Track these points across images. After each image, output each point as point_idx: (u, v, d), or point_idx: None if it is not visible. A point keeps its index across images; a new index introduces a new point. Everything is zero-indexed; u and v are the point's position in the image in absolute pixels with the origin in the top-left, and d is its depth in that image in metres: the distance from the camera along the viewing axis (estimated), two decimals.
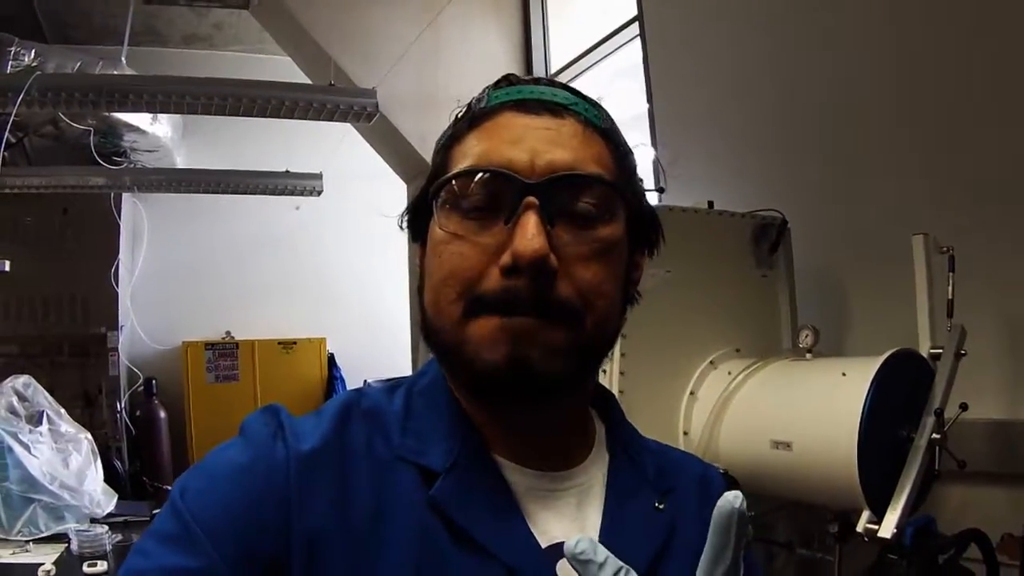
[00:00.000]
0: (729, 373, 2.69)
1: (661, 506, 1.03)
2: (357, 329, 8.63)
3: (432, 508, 0.90)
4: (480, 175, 0.91)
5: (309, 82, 6.18)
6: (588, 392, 1.06)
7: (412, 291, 4.56)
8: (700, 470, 1.16)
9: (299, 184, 7.26)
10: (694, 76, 4.13)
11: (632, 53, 5.04)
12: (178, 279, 8.22)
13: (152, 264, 8.17)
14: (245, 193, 7.31)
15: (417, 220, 1.02)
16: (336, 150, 7.55)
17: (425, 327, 0.97)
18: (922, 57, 2.96)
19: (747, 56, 3.79)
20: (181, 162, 7.87)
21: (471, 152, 0.94)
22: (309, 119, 5.42)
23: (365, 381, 6.94)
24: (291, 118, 5.41)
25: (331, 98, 5.27)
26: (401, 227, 1.06)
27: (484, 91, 1.01)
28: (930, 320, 2.44)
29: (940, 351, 2.34)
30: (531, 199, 0.88)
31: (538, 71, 6.23)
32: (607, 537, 0.95)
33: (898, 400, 2.22)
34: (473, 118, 0.98)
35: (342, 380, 8.62)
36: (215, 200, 7.59)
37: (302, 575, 0.85)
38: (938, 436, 2.14)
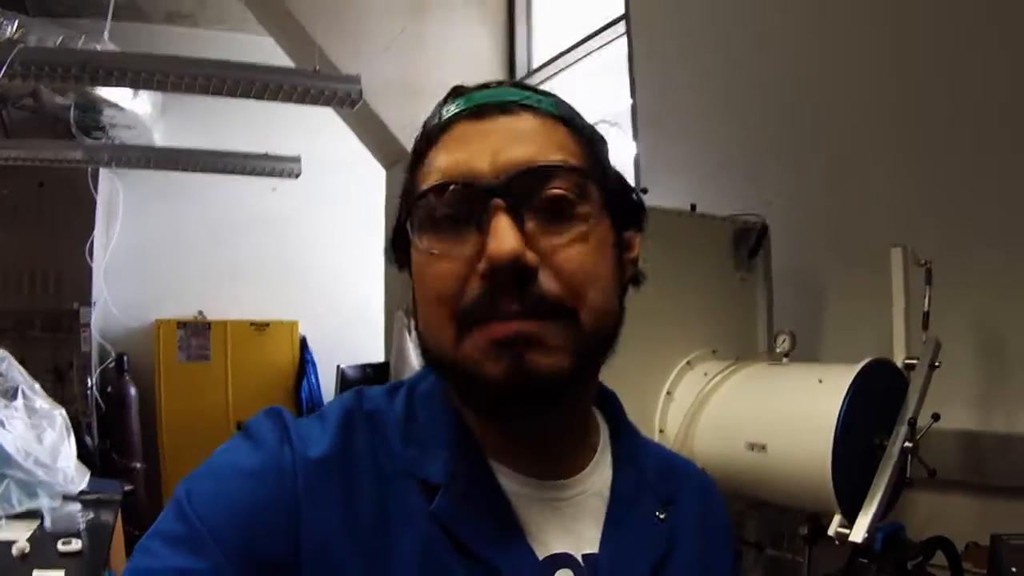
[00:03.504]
0: (706, 374, 2.72)
1: (662, 516, 1.03)
2: (330, 313, 8.62)
3: (434, 520, 0.90)
4: (444, 188, 0.90)
5: (292, 65, 6.17)
6: (591, 391, 1.05)
7: (386, 277, 4.59)
8: (700, 480, 1.17)
9: (277, 166, 7.22)
10: (679, 76, 4.15)
11: (617, 50, 5.04)
12: (152, 256, 8.18)
13: (127, 241, 8.12)
14: (223, 173, 7.26)
15: (400, 247, 1.00)
16: (315, 134, 7.54)
17: (424, 351, 0.96)
18: (910, 66, 3.00)
19: (733, 58, 3.80)
20: (158, 139, 7.81)
21: (434, 169, 0.93)
22: (292, 103, 5.39)
23: (338, 366, 6.96)
24: (274, 101, 5.37)
25: (315, 83, 5.24)
26: (389, 261, 1.04)
27: (436, 108, 1.00)
28: (905, 331, 2.48)
29: (915, 362, 2.38)
30: (497, 201, 0.87)
31: (521, 64, 6.27)
32: (607, 548, 0.97)
33: (872, 408, 2.26)
34: (430, 135, 0.97)
35: (313, 364, 8.62)
36: (192, 179, 7.55)
37: None
38: (910, 444, 2.18)
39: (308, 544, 0.86)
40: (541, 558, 0.93)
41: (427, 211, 0.91)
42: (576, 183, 0.91)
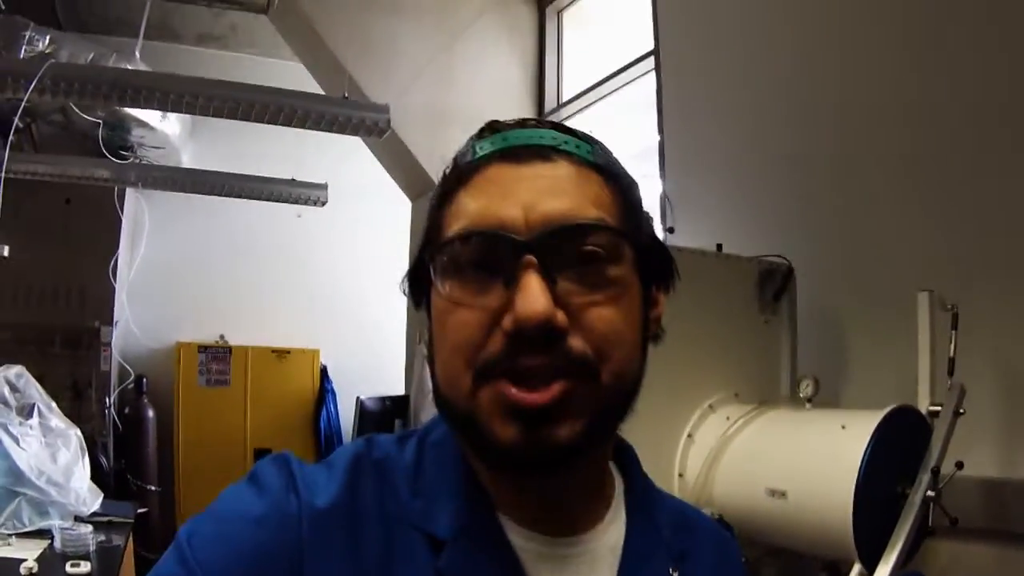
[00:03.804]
0: (727, 418, 2.69)
1: (675, 573, 1.00)
2: (352, 343, 8.60)
3: None
4: (473, 237, 0.87)
5: (320, 91, 6.20)
6: (608, 450, 1.02)
7: (409, 310, 4.55)
8: (716, 534, 1.15)
9: (304, 193, 7.24)
10: (707, 115, 4.15)
11: (646, 86, 5.05)
12: (176, 278, 8.20)
13: (151, 261, 8.14)
14: (249, 198, 7.29)
15: (418, 285, 0.97)
16: (342, 162, 7.57)
17: (438, 398, 0.93)
18: (938, 111, 2.98)
19: (761, 99, 3.81)
20: (186, 161, 7.85)
21: (463, 213, 0.90)
22: (321, 130, 5.41)
23: (357, 398, 6.94)
24: (303, 128, 5.40)
25: (344, 111, 5.25)
26: (404, 293, 1.00)
27: (468, 143, 0.96)
28: (930, 377, 2.45)
29: (939, 408, 2.35)
30: (529, 257, 0.84)
31: (550, 97, 6.28)
32: None
33: (895, 455, 2.23)
34: (461, 174, 0.93)
35: (333, 393, 8.58)
36: (218, 202, 7.56)
37: None
38: (933, 493, 2.16)
39: None
40: None
41: (452, 257, 0.88)
42: (611, 243, 0.88)
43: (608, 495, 1.02)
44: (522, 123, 0.95)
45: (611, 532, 0.99)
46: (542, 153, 0.90)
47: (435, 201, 0.96)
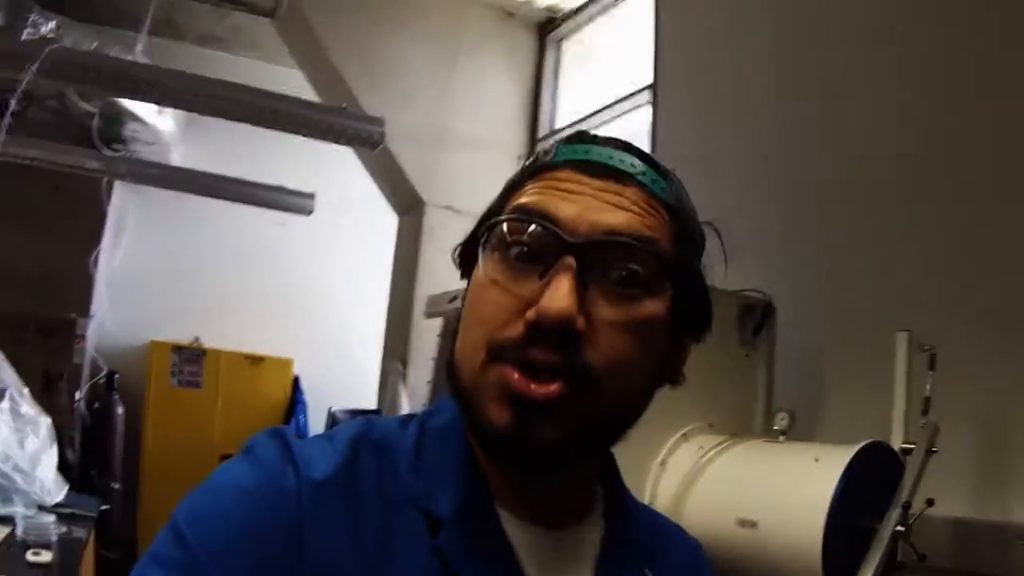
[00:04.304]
0: (700, 447, 2.71)
1: (649, 573, 1.03)
2: (326, 355, 8.54)
3: (437, 556, 0.89)
4: (524, 224, 0.90)
5: (318, 100, 6.21)
6: (599, 463, 1.06)
7: (387, 325, 4.56)
8: (690, 547, 1.18)
9: (291, 201, 7.24)
10: (698, 151, 4.19)
11: (640, 119, 5.12)
12: (156, 276, 8.12)
13: (133, 257, 8.05)
14: (237, 201, 7.28)
15: (467, 258, 0.99)
16: (330, 174, 7.54)
17: (449, 369, 0.95)
18: (923, 153, 3.04)
19: (749, 138, 3.88)
20: (177, 159, 7.77)
21: (524, 200, 0.93)
22: (316, 138, 5.42)
23: (329, 409, 6.91)
24: (298, 134, 5.41)
25: (340, 120, 5.27)
26: (454, 261, 1.03)
27: (553, 144, 0.99)
28: (905, 415, 2.48)
29: (912, 446, 2.36)
30: (568, 259, 0.86)
31: (544, 123, 6.32)
32: None
33: (867, 490, 2.24)
34: (536, 169, 0.96)
35: (304, 404, 8.54)
36: (205, 203, 7.51)
37: None
38: (902, 528, 2.18)
39: (310, 567, 0.84)
40: None
41: (500, 237, 0.91)
42: (653, 271, 0.90)
43: (591, 496, 1.05)
44: (610, 141, 0.98)
45: (594, 531, 1.03)
46: (616, 175, 0.93)
47: (505, 187, 1.00)
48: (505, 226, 0.91)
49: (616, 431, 0.96)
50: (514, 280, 0.89)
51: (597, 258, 0.87)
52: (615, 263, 0.88)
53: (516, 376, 0.85)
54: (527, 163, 1.00)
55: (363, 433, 0.97)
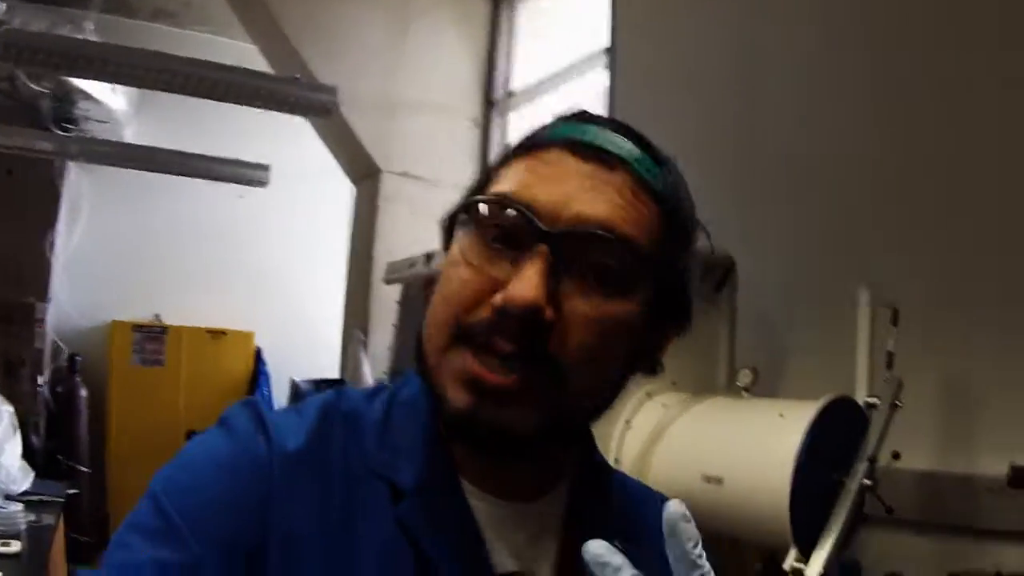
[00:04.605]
0: (664, 405, 2.71)
1: (621, 545, 0.99)
2: (287, 326, 8.50)
3: (399, 525, 0.89)
4: (503, 207, 0.88)
5: (272, 72, 6.16)
6: (560, 444, 1.02)
7: (347, 294, 4.54)
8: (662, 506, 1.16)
9: (245, 173, 7.20)
10: (656, 112, 4.16)
11: (597, 83, 5.09)
12: (113, 256, 8.03)
13: (89, 238, 7.96)
14: (191, 176, 7.22)
15: (451, 229, 0.96)
16: (285, 145, 7.48)
17: (417, 344, 0.94)
18: (881, 112, 3.05)
19: (710, 99, 3.87)
20: (130, 137, 7.72)
21: (509, 180, 0.90)
22: (270, 109, 5.40)
23: (292, 380, 6.90)
24: (251, 105, 5.38)
25: (293, 90, 5.25)
26: (441, 228, 0.99)
27: (554, 118, 0.97)
28: (869, 370, 2.49)
29: (876, 401, 2.37)
30: (542, 247, 0.84)
31: (498, 87, 6.29)
32: (563, 570, 0.97)
33: (832, 445, 2.25)
34: (530, 145, 0.94)
35: (267, 376, 8.49)
36: (160, 180, 7.46)
37: (277, 574, 0.85)
38: (869, 482, 2.19)
39: (277, 535, 0.85)
40: (498, 574, 0.93)
41: (478, 218, 0.90)
42: (631, 269, 0.87)
43: (560, 467, 1.03)
44: (609, 122, 0.96)
45: (562, 501, 1.01)
46: (606, 159, 0.90)
47: (498, 158, 0.97)
48: (483, 207, 0.89)
49: (584, 420, 0.97)
50: (487, 261, 0.87)
51: (573, 250, 0.85)
52: (591, 257, 0.86)
53: (475, 363, 0.85)
54: (525, 137, 0.97)
55: (332, 405, 0.97)
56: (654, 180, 0.92)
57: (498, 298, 0.83)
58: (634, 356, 0.95)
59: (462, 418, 0.86)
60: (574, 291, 0.85)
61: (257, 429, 0.90)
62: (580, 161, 0.89)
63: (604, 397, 0.95)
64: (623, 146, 0.92)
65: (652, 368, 1.00)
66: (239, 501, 0.85)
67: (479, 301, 0.86)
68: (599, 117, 0.97)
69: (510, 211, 0.87)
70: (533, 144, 0.94)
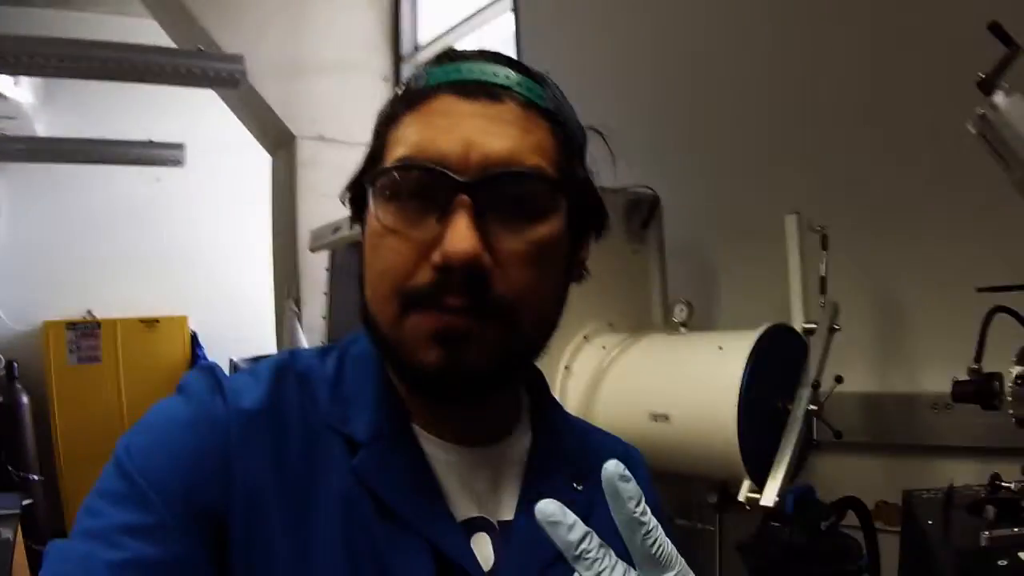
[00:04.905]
0: (603, 347, 2.70)
1: (579, 487, 1.04)
2: (220, 306, 8.42)
3: (356, 476, 0.91)
4: (411, 169, 0.89)
5: (175, 46, 6.02)
6: (519, 381, 1.08)
7: (274, 266, 4.47)
8: (621, 451, 1.17)
9: (160, 154, 7.10)
10: (566, 53, 4.13)
11: (503, 29, 5.01)
12: (37, 255, 7.89)
13: (11, 238, 7.84)
14: (104, 163, 7.11)
15: (356, 202, 0.99)
16: (200, 120, 7.38)
17: (365, 316, 0.96)
18: (799, 39, 3.02)
19: (621, 35, 3.82)
20: (42, 131, 7.55)
21: (406, 140, 0.91)
22: (175, 84, 5.29)
23: (230, 360, 6.83)
24: (156, 83, 5.28)
25: (197, 63, 5.15)
26: (344, 203, 1.02)
27: (422, 68, 0.98)
28: (803, 297, 2.50)
29: (814, 326, 2.39)
30: (463, 197, 0.86)
31: (406, 41, 6.21)
32: (522, 515, 0.98)
33: (774, 373, 2.27)
34: (411, 99, 0.94)
35: (205, 359, 8.35)
36: (75, 171, 7.34)
37: (241, 532, 0.86)
38: (814, 407, 2.21)
39: (238, 492, 0.87)
40: (459, 520, 0.95)
41: (389, 185, 0.91)
42: (546, 193, 0.91)
43: (516, 413, 1.08)
44: (480, 55, 0.97)
45: (518, 445, 1.05)
46: (492, 92, 0.92)
47: (381, 120, 0.98)
48: (391, 174, 0.90)
49: (537, 349, 0.99)
50: (411, 225, 0.89)
51: (491, 193, 0.88)
52: (508, 194, 0.89)
53: (437, 318, 0.87)
54: (399, 92, 0.98)
55: (286, 364, 1.00)
56: (540, 100, 0.94)
57: (436, 256, 0.86)
58: (567, 270, 1.00)
59: (436, 373, 0.88)
60: (501, 230, 0.88)
61: (214, 391, 0.93)
62: (468, 102, 0.91)
63: (551, 321, 0.99)
64: (503, 74, 0.94)
65: (580, 275, 1.05)
66: (200, 460, 0.87)
67: (416, 265, 0.88)
68: (468, 52, 0.99)
69: (421, 172, 0.88)
70: (417, 96, 0.94)
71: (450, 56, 0.98)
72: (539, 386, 1.12)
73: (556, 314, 0.99)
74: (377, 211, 0.91)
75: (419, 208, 0.89)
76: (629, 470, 1.12)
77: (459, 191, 0.86)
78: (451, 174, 0.87)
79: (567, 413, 1.17)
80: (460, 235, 0.84)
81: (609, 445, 1.19)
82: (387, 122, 0.97)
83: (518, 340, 0.91)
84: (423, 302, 0.87)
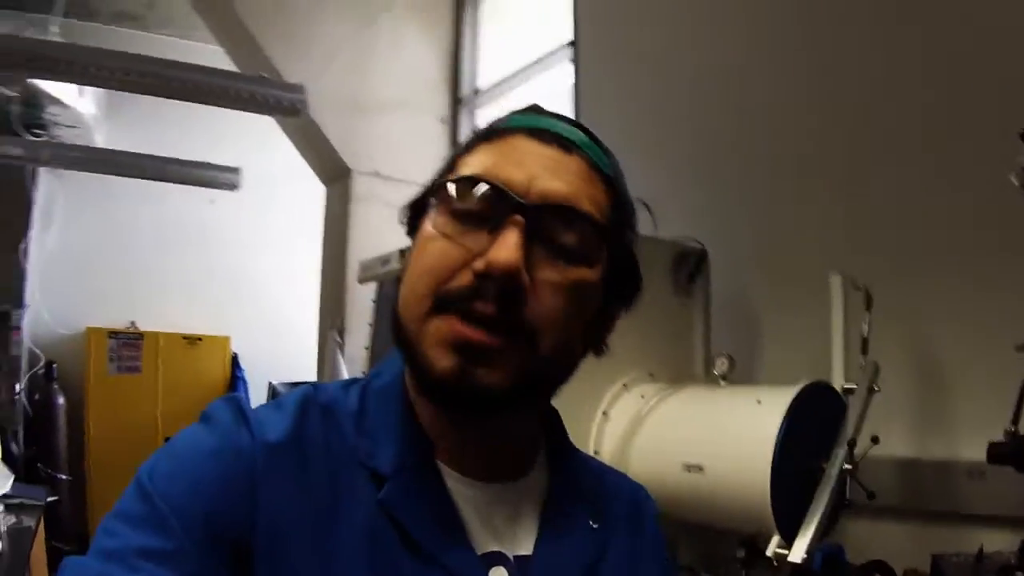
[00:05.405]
0: (642, 396, 2.71)
1: (595, 525, 1.06)
2: (263, 330, 8.50)
3: (381, 509, 0.92)
4: (476, 183, 0.93)
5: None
6: (536, 414, 1.09)
7: (322, 296, 4.51)
8: (632, 491, 1.21)
9: (216, 177, 7.18)
10: (622, 104, 4.19)
11: (563, 76, 5.07)
12: (88, 262, 8.00)
13: (63, 244, 7.93)
14: (160, 180, 7.18)
15: (414, 216, 1.02)
16: (257, 147, 7.47)
17: (394, 318, 0.98)
18: (849, 95, 3.05)
19: (675, 90, 3.88)
20: (101, 142, 7.65)
21: (475, 163, 0.96)
22: (236, 108, 5.35)
23: (270, 383, 6.86)
24: (217, 105, 5.34)
25: (260, 89, 5.21)
26: (401, 222, 1.05)
27: (508, 113, 1.04)
28: (844, 356, 2.50)
29: (853, 386, 2.39)
30: (518, 217, 0.89)
31: (465, 84, 6.26)
32: (540, 551, 1.01)
33: (811, 430, 2.26)
34: (489, 133, 1.00)
35: (244, 381, 8.49)
36: (132, 185, 7.43)
37: (265, 560, 0.86)
38: (849, 467, 2.19)
39: (263, 524, 0.87)
40: (478, 554, 0.96)
41: (453, 196, 0.94)
42: (593, 240, 0.95)
43: (535, 451, 1.09)
44: (558, 116, 1.03)
45: (536, 483, 1.07)
46: (564, 143, 0.98)
47: (456, 149, 1.03)
48: (456, 186, 0.94)
49: (549, 384, 1.00)
50: (463, 234, 0.92)
51: (544, 221, 0.91)
52: (560, 228, 0.92)
53: (461, 325, 0.88)
54: (480, 129, 1.03)
55: (310, 397, 1.00)
56: (604, 166, 1.00)
57: (479, 262, 0.88)
58: (589, 329, 1.01)
59: (447, 379, 0.89)
60: (543, 260, 0.91)
61: (239, 422, 0.93)
62: (541, 144, 0.97)
63: (566, 363, 1.00)
64: (577, 135, 1.00)
65: (600, 345, 1.07)
66: (223, 487, 0.87)
67: (458, 270, 0.91)
68: (550, 111, 1.05)
69: (483, 187, 0.92)
70: (494, 132, 1.00)
71: (534, 108, 1.04)
72: (556, 427, 1.14)
73: (571, 361, 1.01)
74: (434, 218, 0.95)
75: (474, 220, 0.92)
76: (637, 507, 1.17)
77: (516, 211, 0.90)
78: (512, 194, 0.91)
79: (583, 453, 1.19)
80: (507, 247, 0.87)
81: (621, 483, 1.22)
82: (460, 151, 1.02)
83: (536, 364, 0.92)
84: (453, 306, 0.89)
